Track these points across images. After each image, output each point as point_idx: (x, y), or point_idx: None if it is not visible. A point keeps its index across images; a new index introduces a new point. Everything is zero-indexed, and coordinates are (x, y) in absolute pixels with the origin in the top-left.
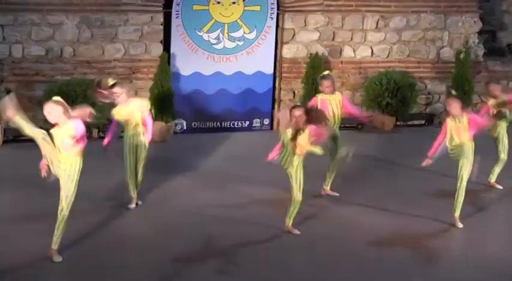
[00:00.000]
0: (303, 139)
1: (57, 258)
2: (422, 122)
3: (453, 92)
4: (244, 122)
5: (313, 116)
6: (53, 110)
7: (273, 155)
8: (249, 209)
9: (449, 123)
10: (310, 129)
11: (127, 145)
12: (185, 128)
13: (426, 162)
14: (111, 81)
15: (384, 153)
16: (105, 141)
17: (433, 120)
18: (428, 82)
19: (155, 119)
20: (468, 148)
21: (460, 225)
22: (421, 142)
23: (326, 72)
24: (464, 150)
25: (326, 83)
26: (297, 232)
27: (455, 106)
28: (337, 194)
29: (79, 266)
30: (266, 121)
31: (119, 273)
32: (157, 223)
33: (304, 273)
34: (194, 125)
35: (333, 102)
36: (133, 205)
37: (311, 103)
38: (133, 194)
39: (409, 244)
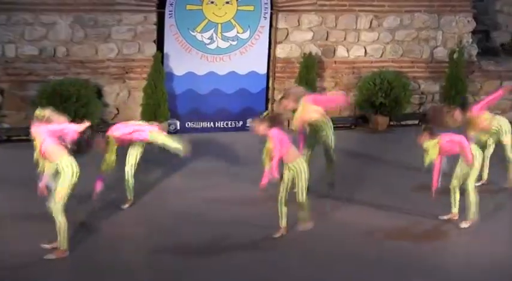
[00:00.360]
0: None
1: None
2: (416, 121)
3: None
4: (238, 122)
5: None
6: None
7: (265, 181)
8: (242, 209)
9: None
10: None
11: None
12: (179, 128)
13: (434, 196)
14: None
15: (378, 152)
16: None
17: None
18: (421, 82)
19: (149, 119)
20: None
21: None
22: (415, 142)
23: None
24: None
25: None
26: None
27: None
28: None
29: (75, 266)
30: None
31: (117, 273)
32: (150, 223)
33: (302, 273)
34: (188, 125)
35: None
36: (127, 205)
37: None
38: (130, 195)
39: (407, 243)
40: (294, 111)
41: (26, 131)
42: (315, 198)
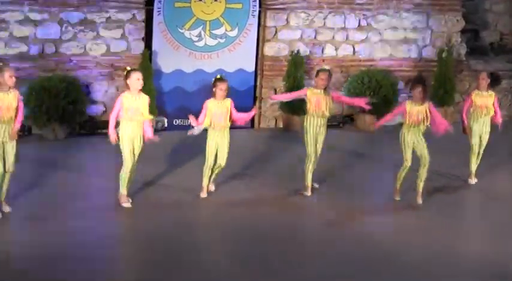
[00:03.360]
0: None
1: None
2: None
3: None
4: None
5: None
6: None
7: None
8: (233, 207)
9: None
10: None
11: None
12: (166, 125)
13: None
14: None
15: (365, 151)
16: None
17: None
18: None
19: None
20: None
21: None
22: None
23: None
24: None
25: (322, 76)
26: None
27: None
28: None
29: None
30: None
31: (113, 271)
32: (140, 220)
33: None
34: (175, 122)
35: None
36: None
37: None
38: (125, 191)
39: (403, 242)
40: None
41: None
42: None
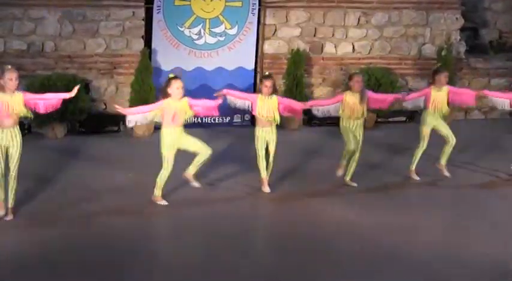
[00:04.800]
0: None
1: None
2: (403, 118)
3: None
4: (225, 118)
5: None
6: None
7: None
8: (229, 205)
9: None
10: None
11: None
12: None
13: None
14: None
15: (364, 150)
16: None
17: (414, 117)
18: (409, 79)
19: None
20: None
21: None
22: (402, 139)
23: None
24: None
25: (357, 78)
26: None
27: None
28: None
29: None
30: (247, 117)
31: (108, 272)
32: (139, 218)
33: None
34: None
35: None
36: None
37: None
38: (160, 193)
39: (401, 241)
40: None
41: None
42: (306, 198)
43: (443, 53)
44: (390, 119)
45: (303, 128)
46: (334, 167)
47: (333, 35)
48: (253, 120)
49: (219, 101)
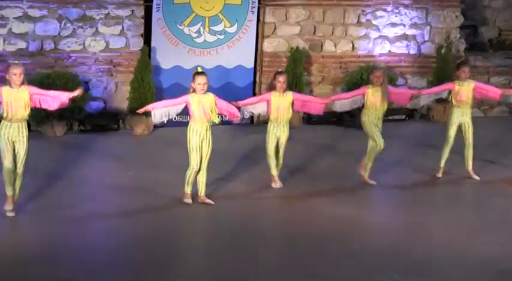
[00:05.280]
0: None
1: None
2: (403, 117)
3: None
4: (225, 116)
5: None
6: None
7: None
8: (229, 205)
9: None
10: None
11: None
12: (165, 121)
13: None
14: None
15: (364, 148)
16: None
17: (414, 115)
18: (409, 77)
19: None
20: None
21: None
22: (402, 137)
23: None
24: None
25: (378, 73)
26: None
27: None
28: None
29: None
30: (246, 115)
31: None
32: (138, 216)
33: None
34: (175, 119)
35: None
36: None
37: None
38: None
39: (401, 241)
40: None
41: None
42: (307, 197)
43: (442, 51)
44: (390, 117)
45: (303, 126)
46: (337, 165)
47: (333, 33)
48: (252, 119)
49: (239, 116)
